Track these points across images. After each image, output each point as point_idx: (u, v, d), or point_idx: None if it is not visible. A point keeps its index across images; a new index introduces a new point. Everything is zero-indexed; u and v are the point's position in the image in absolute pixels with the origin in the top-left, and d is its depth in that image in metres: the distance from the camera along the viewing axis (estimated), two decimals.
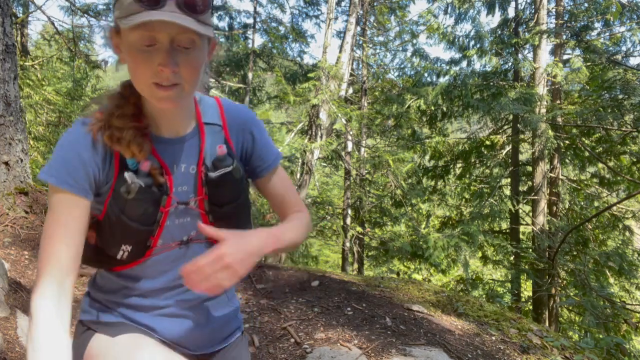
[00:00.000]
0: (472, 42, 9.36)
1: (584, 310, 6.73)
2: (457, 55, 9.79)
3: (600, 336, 4.94)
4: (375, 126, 9.80)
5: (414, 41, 10.80)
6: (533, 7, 9.29)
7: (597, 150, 8.71)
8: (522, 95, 8.07)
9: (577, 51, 9.12)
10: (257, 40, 22.43)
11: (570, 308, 8.51)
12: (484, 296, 8.09)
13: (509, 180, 9.45)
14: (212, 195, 0.99)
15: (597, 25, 9.05)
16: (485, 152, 10.01)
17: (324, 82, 7.72)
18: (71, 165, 0.87)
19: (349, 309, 2.96)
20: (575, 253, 8.46)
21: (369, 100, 11.00)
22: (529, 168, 9.48)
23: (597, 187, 9.27)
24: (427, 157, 10.38)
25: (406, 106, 9.56)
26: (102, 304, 1.03)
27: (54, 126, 10.67)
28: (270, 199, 1.13)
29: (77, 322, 1.05)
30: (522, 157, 9.85)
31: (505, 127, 9.85)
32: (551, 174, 8.94)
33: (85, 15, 7.66)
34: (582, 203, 9.34)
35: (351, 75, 10.00)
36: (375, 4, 10.62)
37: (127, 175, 0.89)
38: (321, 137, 7.82)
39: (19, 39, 8.73)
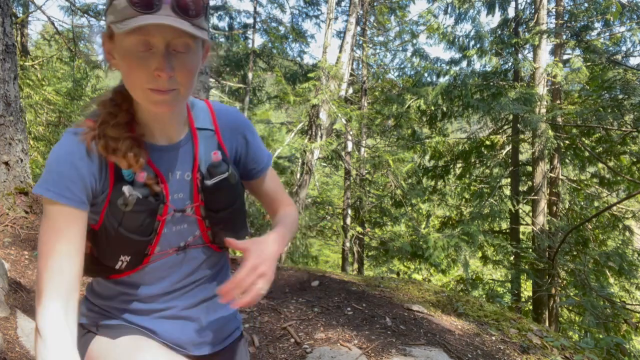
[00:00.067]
0: (472, 42, 9.36)
1: (584, 310, 6.72)
2: (457, 55, 9.80)
3: (600, 336, 4.94)
4: (375, 126, 9.81)
5: (414, 41, 10.80)
6: (533, 7, 9.29)
7: (597, 150, 8.70)
8: (522, 95, 8.06)
9: (577, 51, 9.12)
10: (257, 40, 22.47)
11: (570, 308, 8.51)
12: (484, 296, 8.09)
13: (509, 180, 9.45)
14: (208, 202, 0.99)
15: (597, 25, 9.06)
16: (485, 152, 10.01)
17: (324, 82, 7.72)
18: (67, 177, 0.84)
19: (349, 309, 2.96)
20: (575, 253, 8.46)
21: (369, 100, 11.00)
22: (529, 168, 9.48)
23: (597, 187, 9.27)
24: (427, 157, 10.38)
25: (406, 106, 9.56)
26: (101, 309, 1.03)
27: (54, 126, 10.65)
28: (262, 198, 1.15)
29: (77, 325, 1.04)
30: (522, 157, 9.84)
31: (505, 127, 9.84)
32: (551, 174, 8.93)
33: (85, 15, 7.67)
34: (582, 203, 9.34)
35: (351, 75, 9.99)
36: (375, 4, 10.62)
37: (125, 188, 0.88)
38: (321, 137, 7.82)
39: (19, 39, 8.73)
